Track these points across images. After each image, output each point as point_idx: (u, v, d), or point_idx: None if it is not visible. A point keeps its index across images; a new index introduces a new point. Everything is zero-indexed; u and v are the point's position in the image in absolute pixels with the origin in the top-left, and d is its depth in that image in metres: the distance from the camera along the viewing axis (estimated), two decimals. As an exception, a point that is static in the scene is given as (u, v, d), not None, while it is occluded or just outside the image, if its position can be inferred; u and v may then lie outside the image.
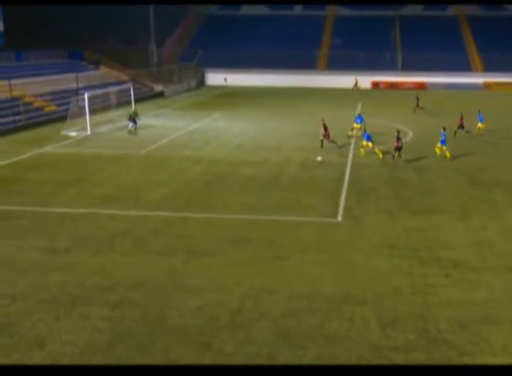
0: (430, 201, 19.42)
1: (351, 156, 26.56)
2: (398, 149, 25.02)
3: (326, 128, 27.72)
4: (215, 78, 66.34)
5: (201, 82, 66.24)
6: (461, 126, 30.82)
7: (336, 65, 64.82)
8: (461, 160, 25.80)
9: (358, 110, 43.28)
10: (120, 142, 29.90)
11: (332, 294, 12.32)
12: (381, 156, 25.73)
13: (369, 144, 26.20)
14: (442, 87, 61.29)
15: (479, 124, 31.79)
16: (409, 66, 63.93)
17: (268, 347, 10.34)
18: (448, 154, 25.77)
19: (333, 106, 45.83)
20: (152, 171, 23.63)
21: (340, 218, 17.47)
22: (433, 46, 64.24)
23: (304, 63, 64.83)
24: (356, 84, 61.04)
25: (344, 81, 61.75)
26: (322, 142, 27.84)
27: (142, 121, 34.98)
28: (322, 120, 28.17)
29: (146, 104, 47.08)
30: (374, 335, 10.76)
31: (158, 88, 55.95)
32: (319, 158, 25.17)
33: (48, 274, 13.27)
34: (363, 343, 10.49)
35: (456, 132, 30.56)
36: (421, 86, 62.42)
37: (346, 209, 18.35)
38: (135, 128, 32.48)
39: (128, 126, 32.65)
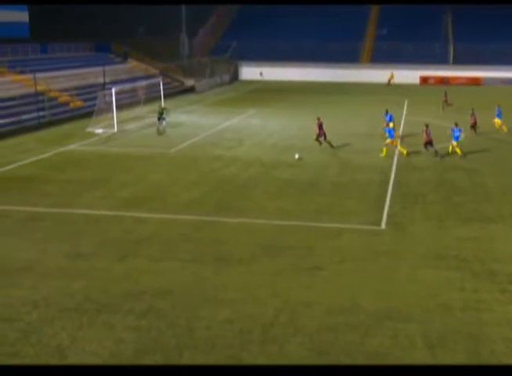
0: (484, 208, 19.06)
1: (396, 158, 26.31)
2: (429, 143, 25.76)
3: (321, 127, 27.56)
4: (250, 72, 66.61)
5: (235, 76, 66.59)
6: (474, 124, 31.33)
7: (381, 58, 64.24)
8: (519, 164, 25.29)
9: (405, 108, 42.86)
10: (149, 141, 30.32)
11: (373, 309, 12.22)
12: (384, 154, 26.24)
13: (390, 140, 26.34)
14: (499, 83, 60.05)
15: (496, 120, 32.51)
16: (461, 60, 62.87)
17: (303, 363, 10.31)
18: (458, 150, 26.18)
19: (377, 103, 45.41)
20: (181, 171, 23.88)
21: (383, 226, 17.32)
22: (489, 37, 62.97)
23: (346, 56, 64.50)
24: (391, 79, 60.47)
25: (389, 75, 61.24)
26: (319, 141, 27.82)
27: (171, 118, 35.38)
28: (318, 119, 28.06)
29: (175, 100, 47.61)
30: (419, 354, 10.62)
31: (189, 82, 56.51)
32: (297, 156, 25.53)
33: (72, 280, 13.56)
34: (407, 362, 10.37)
35: (475, 131, 31.20)
36: (475, 82, 61.35)
37: (390, 216, 18.19)
38: (164, 128, 32.72)
39: (156, 125, 32.86)
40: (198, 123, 36.26)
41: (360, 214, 18.46)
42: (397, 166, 24.79)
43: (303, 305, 12.40)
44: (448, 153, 26.51)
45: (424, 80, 62.98)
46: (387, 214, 18.37)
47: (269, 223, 17.51)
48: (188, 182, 22.13)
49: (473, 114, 31.47)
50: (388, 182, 22.23)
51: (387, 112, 31.05)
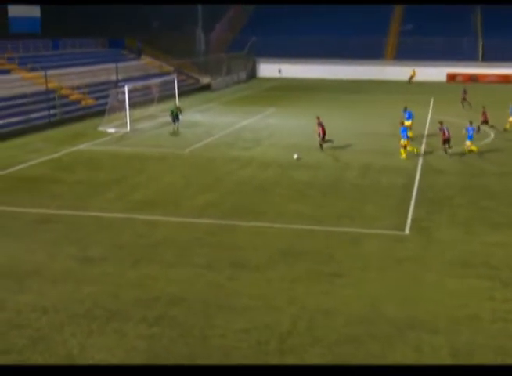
0: (515, 214, 18.84)
1: (421, 160, 26.13)
2: (447, 141, 26.21)
3: (322, 127, 27.40)
4: (268, 69, 66.56)
5: (252, 74, 66.61)
6: (485, 121, 31.49)
7: (406, 54, 63.80)
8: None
9: (430, 107, 42.57)
10: (162, 141, 30.44)
11: (397, 319, 12.13)
12: (404, 156, 26.10)
13: (403, 141, 26.26)
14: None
15: (511, 119, 32.45)
16: (491, 56, 62.18)
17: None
18: (474, 148, 26.61)
19: (402, 102, 45.06)
20: (196, 173, 23.95)
21: (407, 231, 17.21)
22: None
23: (369, 52, 64.16)
24: (412, 77, 60.11)
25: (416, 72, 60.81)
26: (325, 141, 27.61)
27: (186, 117, 35.47)
28: (318, 118, 27.91)
29: (190, 98, 47.78)
30: (445, 368, 10.50)
31: (205, 80, 56.68)
32: (296, 156, 25.81)
33: (82, 285, 13.65)
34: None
35: (479, 128, 31.07)
36: (506, 79, 60.67)
37: (415, 220, 18.06)
38: (178, 127, 32.62)
39: (172, 124, 32.64)
40: (214, 122, 36.33)
41: (383, 218, 18.36)
42: (421, 168, 24.61)
43: (322, 313, 12.35)
44: (464, 153, 26.57)
45: (452, 77, 62.41)
46: (412, 218, 18.24)
47: (287, 227, 17.48)
48: (203, 184, 22.18)
49: (484, 112, 31.58)
50: (412, 185, 22.08)
51: (405, 109, 30.87)
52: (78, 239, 16.57)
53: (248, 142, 30.06)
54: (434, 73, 60.94)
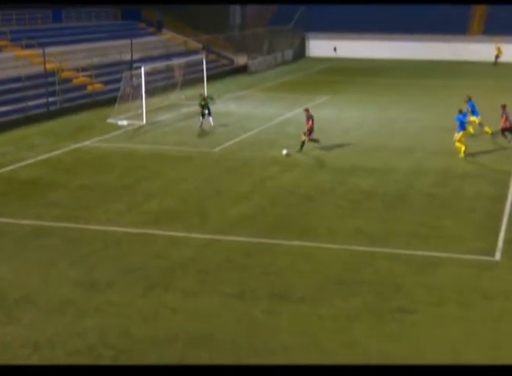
0: None
1: (516, 163, 25.81)
2: (506, 130, 27.65)
3: (312, 121, 27.21)
4: (320, 47, 66.69)
5: (300, 53, 66.79)
6: None
7: (496, 28, 63.06)
8: None
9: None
10: (186, 136, 30.67)
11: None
12: (462, 152, 26.34)
13: (457, 135, 26.67)
14: None
15: None
16: None
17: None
18: None
19: (489, 89, 44.57)
20: (227, 178, 24.06)
21: (498, 257, 16.99)
22: None
23: (449, 25, 63.66)
24: (498, 56, 59.49)
25: (509, 51, 60.03)
26: (313, 140, 27.55)
27: (217, 108, 35.62)
28: (307, 110, 27.87)
29: (223, 83, 48.12)
30: None
31: (240, 60, 57.00)
32: (285, 151, 26.44)
33: (84, 317, 13.75)
34: None
35: None
36: None
37: (508, 242, 17.82)
38: (206, 121, 31.65)
39: (200, 121, 31.79)
40: (251, 113, 36.48)
41: (465, 239, 18.18)
42: (517, 175, 24.30)
43: (386, 360, 12.18)
44: None
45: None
46: (504, 240, 18.01)
47: (342, 248, 17.41)
48: (236, 192, 22.25)
49: None
50: (505, 196, 21.86)
51: (470, 100, 30.41)
52: (80, 258, 16.74)
53: (293, 139, 29.97)
54: (503, 50, 60.26)
